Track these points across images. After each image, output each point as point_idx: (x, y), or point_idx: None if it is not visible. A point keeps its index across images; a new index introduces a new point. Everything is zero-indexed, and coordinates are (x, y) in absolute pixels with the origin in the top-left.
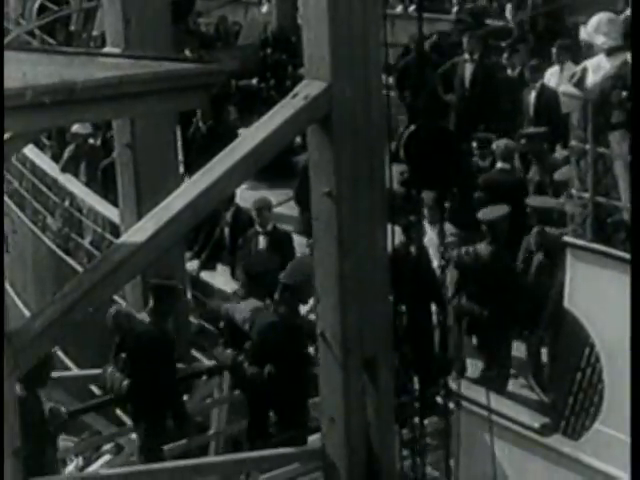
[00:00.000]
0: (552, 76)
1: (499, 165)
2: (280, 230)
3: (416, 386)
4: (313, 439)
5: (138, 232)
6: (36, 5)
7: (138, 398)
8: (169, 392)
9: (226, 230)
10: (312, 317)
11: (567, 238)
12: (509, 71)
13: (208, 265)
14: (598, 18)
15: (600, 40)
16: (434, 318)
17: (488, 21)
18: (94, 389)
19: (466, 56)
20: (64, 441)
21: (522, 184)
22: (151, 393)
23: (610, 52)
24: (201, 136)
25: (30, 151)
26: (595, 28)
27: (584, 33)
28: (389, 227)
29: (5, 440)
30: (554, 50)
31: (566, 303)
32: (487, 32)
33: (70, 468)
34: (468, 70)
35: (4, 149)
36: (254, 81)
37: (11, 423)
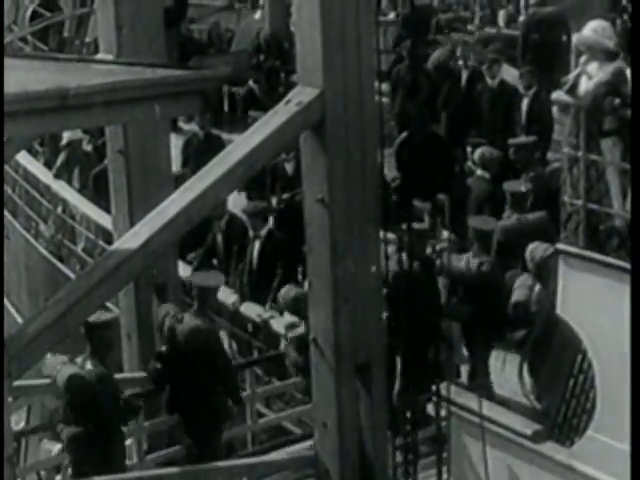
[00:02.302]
0: None
1: (478, 173)
2: (276, 234)
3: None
4: (306, 445)
5: (131, 238)
6: (29, 12)
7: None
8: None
9: (219, 238)
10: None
11: (560, 245)
12: (489, 80)
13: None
14: (600, 24)
15: (610, 44)
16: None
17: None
18: None
19: (460, 62)
20: (55, 447)
21: (496, 192)
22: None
23: (613, 56)
24: (198, 142)
25: (23, 158)
26: (602, 32)
27: (586, 38)
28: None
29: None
30: (489, 54)
31: (558, 310)
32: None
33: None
34: (463, 77)
35: None
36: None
37: (6, 429)
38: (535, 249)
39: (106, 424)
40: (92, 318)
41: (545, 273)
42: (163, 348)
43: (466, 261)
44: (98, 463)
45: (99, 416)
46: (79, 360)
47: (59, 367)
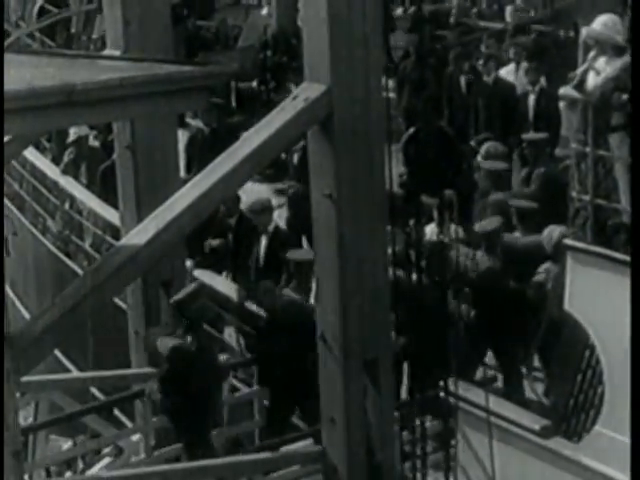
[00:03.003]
0: (508, 74)
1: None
2: (282, 230)
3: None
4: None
5: (139, 234)
6: (36, 8)
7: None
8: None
9: (230, 235)
10: None
11: (568, 241)
12: (485, 77)
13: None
14: (611, 18)
15: (620, 38)
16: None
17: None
18: (94, 391)
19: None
20: (64, 443)
21: (503, 187)
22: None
23: (622, 51)
24: (203, 138)
25: (30, 153)
26: (612, 26)
27: (596, 32)
28: (389, 229)
29: (5, 441)
30: (511, 49)
31: (566, 305)
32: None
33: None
34: (462, 80)
35: (4, 152)
36: (254, 83)
37: (10, 424)
38: (552, 231)
39: (205, 393)
40: (179, 295)
41: (560, 256)
42: (262, 323)
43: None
44: (197, 430)
45: (199, 386)
46: (179, 331)
47: (160, 339)
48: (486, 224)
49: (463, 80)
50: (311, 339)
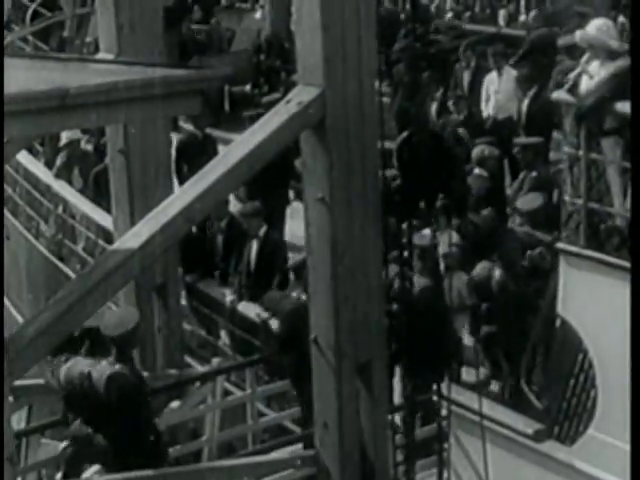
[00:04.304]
0: (491, 82)
1: (476, 171)
2: (272, 235)
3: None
4: None
5: (132, 238)
6: (29, 11)
7: None
8: None
9: (219, 238)
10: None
11: (560, 244)
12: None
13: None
14: (605, 22)
15: (614, 43)
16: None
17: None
18: None
19: (463, 64)
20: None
21: (495, 190)
22: None
23: (615, 56)
24: (196, 142)
25: (23, 157)
26: (606, 31)
27: (589, 36)
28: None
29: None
30: (490, 56)
31: (559, 309)
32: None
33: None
34: (465, 78)
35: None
36: (247, 87)
37: (6, 429)
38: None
39: None
40: (296, 260)
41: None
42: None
43: None
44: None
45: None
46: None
47: (280, 302)
48: (529, 201)
49: (466, 77)
50: None
